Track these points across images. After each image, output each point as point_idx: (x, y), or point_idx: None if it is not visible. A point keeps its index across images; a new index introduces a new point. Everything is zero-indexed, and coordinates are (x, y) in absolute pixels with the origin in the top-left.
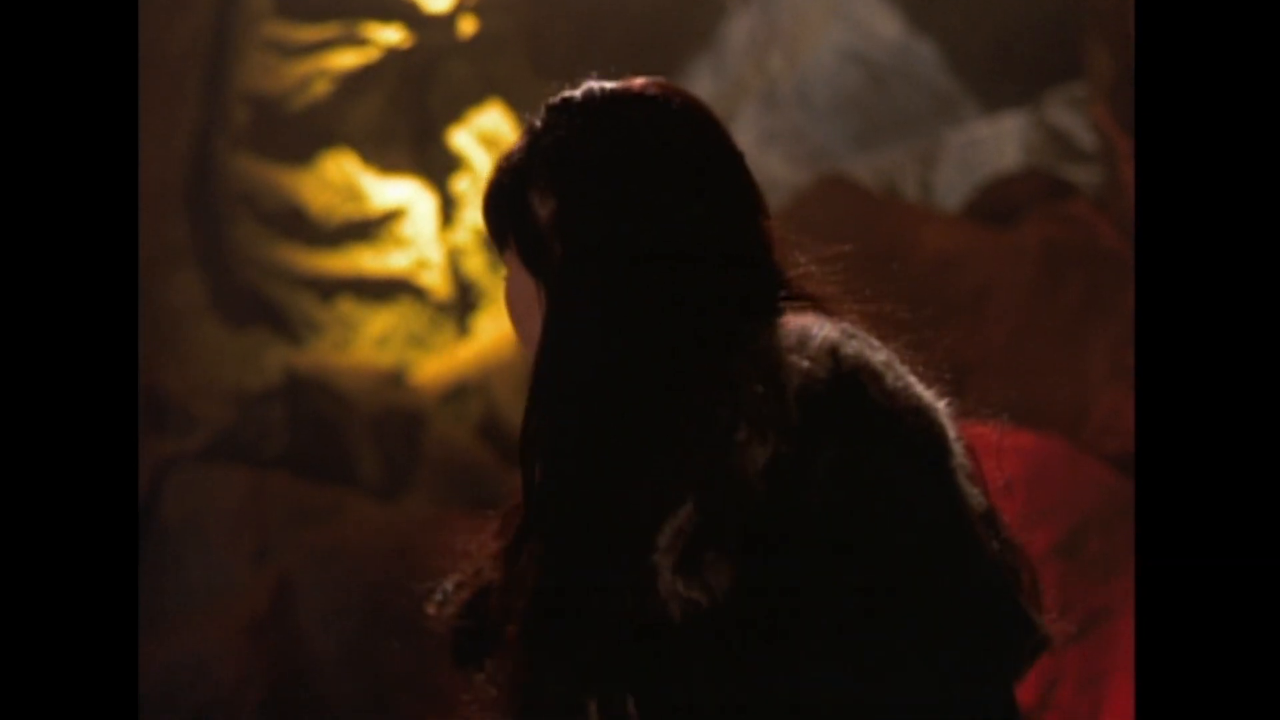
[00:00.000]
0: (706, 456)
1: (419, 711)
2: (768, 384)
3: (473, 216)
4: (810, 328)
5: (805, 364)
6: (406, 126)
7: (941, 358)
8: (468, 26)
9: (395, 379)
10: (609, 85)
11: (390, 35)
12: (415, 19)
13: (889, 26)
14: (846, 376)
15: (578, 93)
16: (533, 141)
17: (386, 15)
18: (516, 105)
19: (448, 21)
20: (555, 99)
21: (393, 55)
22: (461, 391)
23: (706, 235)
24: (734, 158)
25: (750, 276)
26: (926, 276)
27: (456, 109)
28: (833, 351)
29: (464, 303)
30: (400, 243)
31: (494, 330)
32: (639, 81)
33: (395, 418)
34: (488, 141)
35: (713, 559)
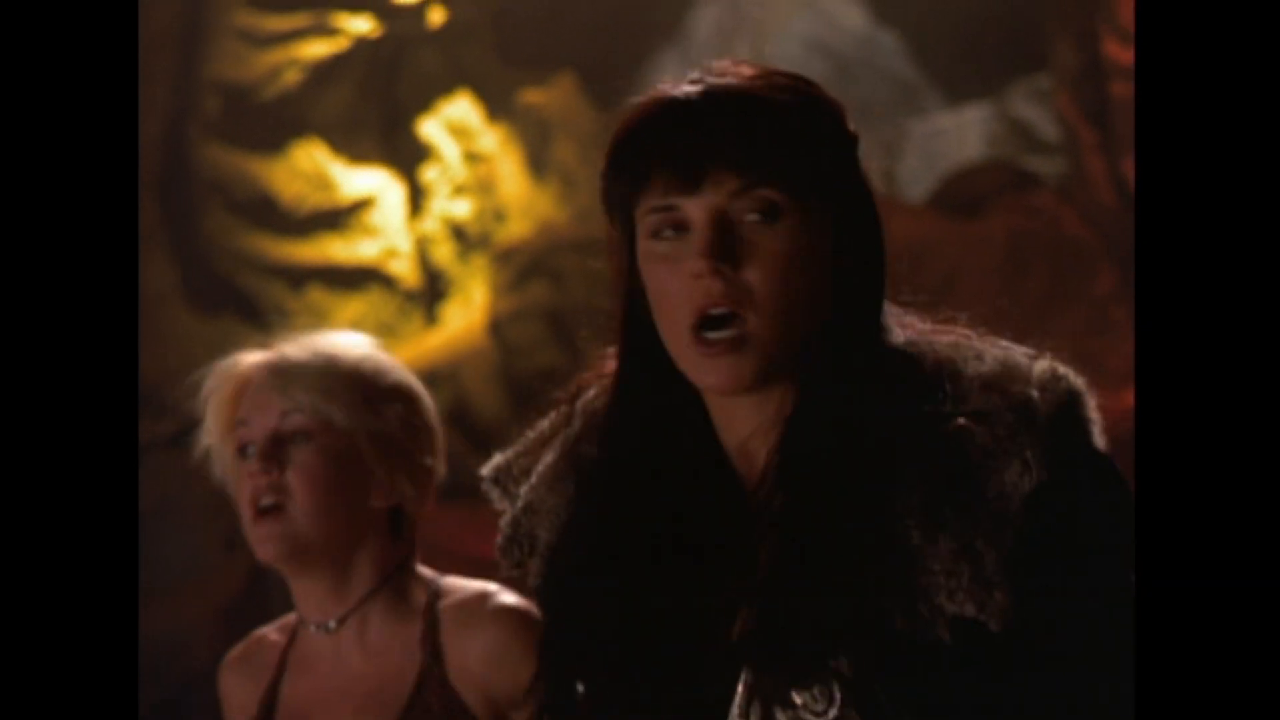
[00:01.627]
0: (965, 479)
1: None
2: (1017, 412)
3: (441, 205)
4: (1008, 355)
5: (1035, 393)
6: (376, 116)
7: None
8: (437, 16)
9: None
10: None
11: (360, 25)
12: (384, 8)
13: (854, 17)
14: (1074, 398)
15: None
16: (765, 86)
17: (356, 5)
18: (485, 95)
19: (417, 11)
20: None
21: (362, 45)
22: (430, 380)
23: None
24: None
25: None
26: (891, 266)
27: (425, 98)
28: (1055, 376)
29: (433, 291)
30: (369, 232)
31: (462, 319)
32: None
33: None
34: (456, 131)
35: (996, 586)
